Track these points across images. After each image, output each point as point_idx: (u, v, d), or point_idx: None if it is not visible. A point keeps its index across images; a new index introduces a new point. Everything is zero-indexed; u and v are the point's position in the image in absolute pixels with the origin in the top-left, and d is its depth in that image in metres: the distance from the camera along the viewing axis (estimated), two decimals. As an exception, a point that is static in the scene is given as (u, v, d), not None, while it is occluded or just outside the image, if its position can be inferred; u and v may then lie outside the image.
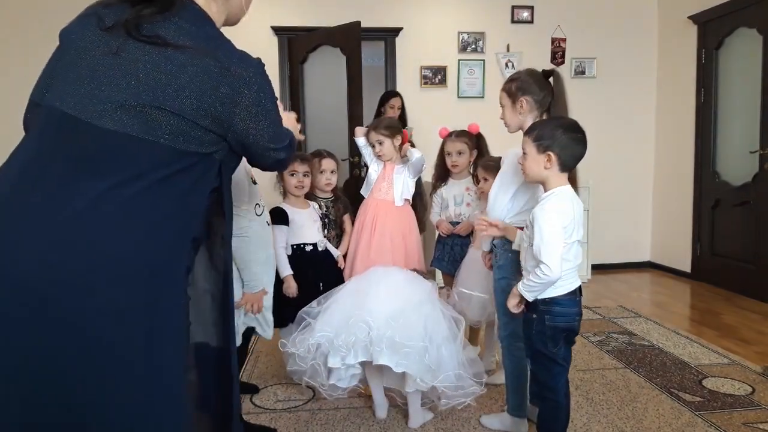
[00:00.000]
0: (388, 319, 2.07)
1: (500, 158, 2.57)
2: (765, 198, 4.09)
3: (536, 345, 1.84)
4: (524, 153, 1.82)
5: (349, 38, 4.28)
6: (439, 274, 3.20)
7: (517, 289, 1.82)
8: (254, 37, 4.77)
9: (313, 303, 2.28)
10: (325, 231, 2.81)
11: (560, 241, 1.72)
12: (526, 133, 1.84)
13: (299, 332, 2.21)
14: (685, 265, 4.95)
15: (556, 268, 1.71)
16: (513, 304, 1.85)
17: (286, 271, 2.53)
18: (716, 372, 2.78)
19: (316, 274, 2.59)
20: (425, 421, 2.28)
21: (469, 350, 2.30)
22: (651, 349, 3.10)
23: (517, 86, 2.01)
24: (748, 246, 4.26)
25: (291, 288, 2.52)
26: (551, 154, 1.76)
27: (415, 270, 2.52)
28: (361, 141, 2.84)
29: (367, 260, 2.72)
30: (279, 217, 2.55)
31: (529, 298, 1.79)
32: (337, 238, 2.88)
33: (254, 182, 1.99)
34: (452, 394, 2.13)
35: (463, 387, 2.12)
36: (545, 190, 1.81)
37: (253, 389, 2.61)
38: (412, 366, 2.05)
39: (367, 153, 2.84)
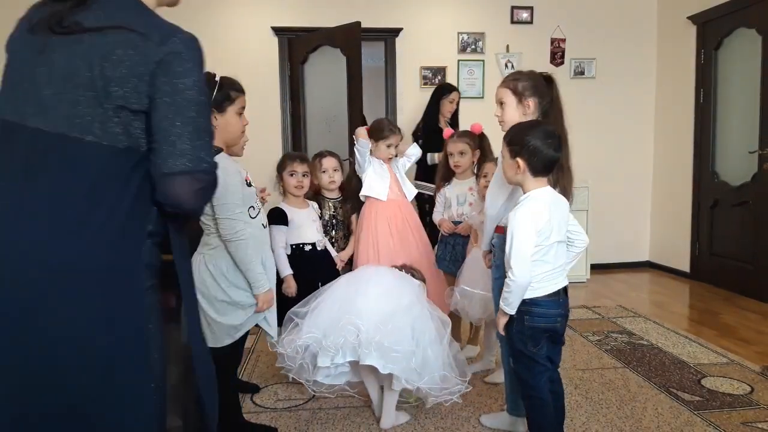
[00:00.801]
0: (378, 324, 2.09)
1: None
2: (764, 198, 4.10)
3: (516, 344, 1.85)
4: (502, 156, 1.84)
5: (349, 39, 4.29)
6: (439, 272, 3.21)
7: (501, 309, 1.82)
8: (254, 38, 4.78)
9: (301, 303, 2.29)
10: (333, 232, 2.82)
11: (528, 247, 1.74)
12: (504, 137, 1.85)
13: (287, 333, 2.23)
14: (684, 265, 4.96)
15: (521, 273, 1.73)
16: (502, 324, 1.85)
17: (286, 270, 2.54)
18: (715, 371, 2.79)
19: (316, 273, 2.60)
20: (398, 423, 2.28)
21: (455, 349, 2.32)
22: (650, 349, 3.11)
23: (525, 86, 1.99)
24: (747, 246, 4.27)
25: (291, 288, 2.53)
26: (519, 160, 1.78)
27: (412, 268, 2.53)
28: (366, 143, 2.87)
29: (390, 263, 2.75)
30: (278, 217, 2.56)
31: (511, 311, 1.80)
32: (345, 238, 2.88)
33: (249, 185, 1.98)
34: (438, 394, 2.17)
35: (449, 387, 2.16)
36: (523, 193, 1.83)
37: (253, 388, 2.62)
38: (399, 368, 2.08)
39: (366, 156, 2.89)
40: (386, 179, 2.89)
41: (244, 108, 1.97)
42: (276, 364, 2.33)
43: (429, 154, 4.00)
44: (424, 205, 4.00)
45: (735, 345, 3.21)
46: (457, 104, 4.29)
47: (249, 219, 1.94)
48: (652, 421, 2.28)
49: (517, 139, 1.79)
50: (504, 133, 2.10)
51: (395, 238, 2.82)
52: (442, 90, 4.26)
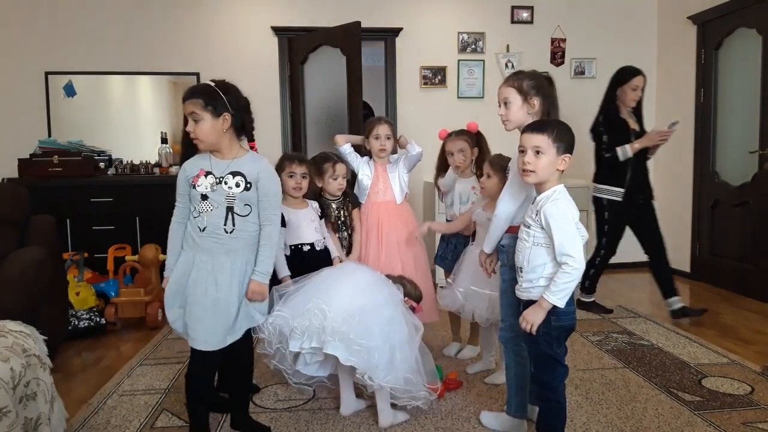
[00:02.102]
0: (346, 315, 2.12)
1: (509, 159, 2.56)
2: (764, 198, 4.09)
3: (542, 347, 1.83)
4: (538, 152, 1.78)
5: (350, 39, 4.29)
6: (440, 271, 3.21)
7: (546, 302, 1.75)
8: (254, 37, 4.78)
9: (282, 286, 2.34)
10: (338, 233, 2.81)
11: (577, 233, 1.76)
12: (543, 132, 1.79)
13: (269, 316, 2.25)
14: (685, 265, 4.96)
15: (581, 259, 1.74)
16: (540, 320, 1.77)
17: (284, 272, 2.53)
18: (715, 372, 2.78)
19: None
20: (397, 422, 2.27)
21: (429, 361, 2.33)
22: (650, 349, 3.11)
23: (530, 86, 2.00)
24: (747, 246, 4.26)
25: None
26: (568, 156, 1.80)
27: (407, 282, 2.53)
28: (346, 148, 2.92)
29: (377, 268, 2.75)
30: None
31: (562, 304, 1.75)
32: (349, 238, 2.88)
33: (193, 187, 1.99)
34: (400, 396, 2.19)
35: (412, 391, 2.18)
36: (543, 190, 1.82)
37: (253, 389, 2.62)
38: (361, 362, 2.10)
39: (353, 159, 2.92)
40: (369, 180, 2.90)
41: (185, 114, 1.97)
42: (257, 349, 2.33)
43: (619, 149, 3.49)
44: (603, 212, 3.68)
45: (735, 345, 3.20)
46: (643, 89, 3.59)
47: (191, 217, 2.01)
48: (652, 422, 2.28)
49: (563, 137, 1.79)
50: (507, 132, 2.10)
51: (373, 247, 2.82)
52: (623, 74, 3.57)
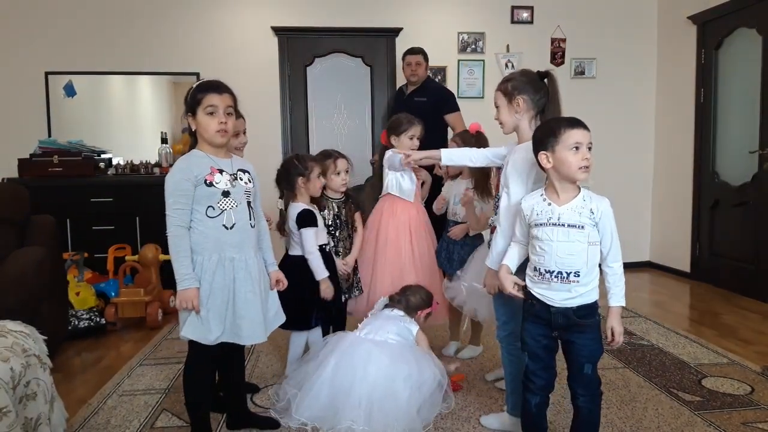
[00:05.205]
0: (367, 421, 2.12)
1: None
2: (764, 198, 4.09)
3: (598, 346, 1.87)
4: (587, 147, 1.83)
5: (378, 51, 4.21)
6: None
7: (618, 307, 1.81)
8: (254, 37, 4.78)
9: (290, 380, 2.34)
10: (337, 232, 2.81)
11: None
12: (588, 128, 1.82)
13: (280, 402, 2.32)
14: (685, 265, 4.96)
15: None
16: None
17: (323, 273, 2.58)
18: (715, 372, 2.78)
19: (334, 274, 2.66)
20: None
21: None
22: (650, 349, 3.11)
23: (513, 86, 2.01)
24: (747, 246, 4.26)
25: (329, 290, 2.58)
26: None
27: (416, 289, 2.57)
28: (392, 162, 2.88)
29: (383, 258, 2.82)
30: (311, 219, 2.58)
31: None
32: (349, 238, 2.88)
33: (209, 185, 1.94)
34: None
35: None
36: (576, 190, 1.84)
37: (253, 388, 2.62)
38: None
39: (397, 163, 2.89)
40: (414, 180, 2.93)
41: (214, 106, 1.93)
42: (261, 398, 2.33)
43: None
44: None
45: (735, 345, 3.20)
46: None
47: (204, 217, 1.94)
48: (652, 422, 2.28)
49: None
50: (506, 135, 2.10)
51: (372, 236, 2.87)
52: None
